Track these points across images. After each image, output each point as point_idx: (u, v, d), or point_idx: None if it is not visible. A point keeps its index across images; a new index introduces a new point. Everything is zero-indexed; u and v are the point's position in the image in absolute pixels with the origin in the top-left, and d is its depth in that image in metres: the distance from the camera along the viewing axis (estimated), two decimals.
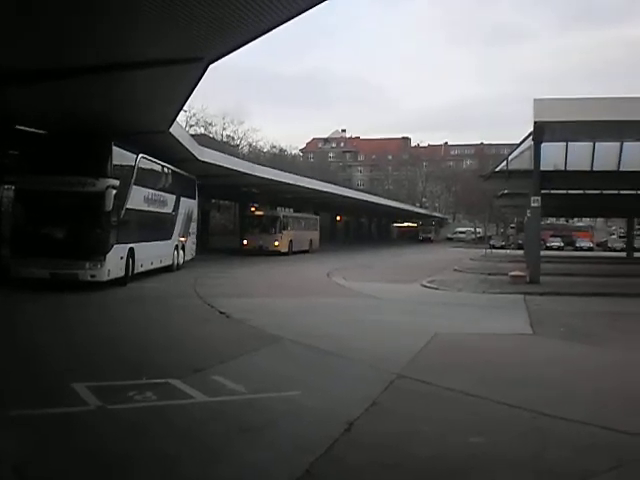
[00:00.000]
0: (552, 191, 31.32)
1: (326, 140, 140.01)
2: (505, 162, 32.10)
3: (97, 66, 14.61)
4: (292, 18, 11.74)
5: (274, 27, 12.19)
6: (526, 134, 28.46)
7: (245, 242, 46.63)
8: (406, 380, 9.59)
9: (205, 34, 12.59)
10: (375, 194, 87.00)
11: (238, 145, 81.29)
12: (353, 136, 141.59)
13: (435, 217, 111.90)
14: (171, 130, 23.38)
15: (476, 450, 6.72)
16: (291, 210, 54.43)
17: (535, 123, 23.22)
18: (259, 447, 6.63)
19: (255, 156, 75.88)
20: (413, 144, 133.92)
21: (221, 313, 16.27)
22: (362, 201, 68.82)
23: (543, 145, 25.80)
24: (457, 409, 8.26)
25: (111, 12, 11.33)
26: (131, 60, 14.27)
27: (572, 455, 6.60)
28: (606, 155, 29.63)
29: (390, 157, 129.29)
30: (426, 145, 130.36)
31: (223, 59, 14.35)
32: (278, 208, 51.67)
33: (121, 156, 21.69)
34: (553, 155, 28.62)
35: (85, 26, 12.14)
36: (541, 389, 9.23)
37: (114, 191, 20.19)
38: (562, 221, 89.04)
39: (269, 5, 11.03)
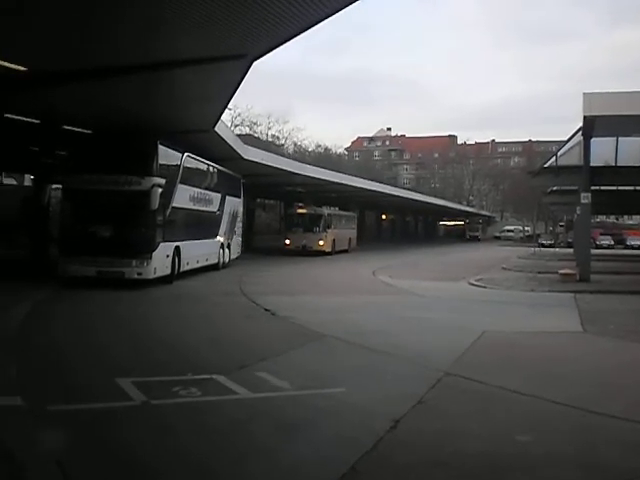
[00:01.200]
0: (602, 187, 30.65)
1: (371, 139, 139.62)
2: (554, 158, 31.53)
3: (143, 65, 14.70)
4: (336, 12, 11.61)
5: (318, 22, 12.09)
6: (575, 130, 27.97)
7: (287, 241, 44.15)
8: (454, 378, 9.41)
9: (249, 31, 12.55)
10: (421, 192, 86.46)
11: (283, 144, 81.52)
12: (398, 134, 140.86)
13: (482, 215, 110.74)
14: (216, 129, 23.41)
15: (524, 448, 6.55)
16: (336, 208, 53.41)
17: (584, 117, 22.71)
18: (304, 443, 6.55)
19: (300, 155, 76.07)
20: (459, 142, 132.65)
21: (266, 310, 16.24)
22: (407, 199, 68.34)
23: (593, 140, 25.31)
24: (505, 407, 8.08)
25: (157, 11, 11.37)
26: (176, 58, 14.30)
27: (621, 454, 6.40)
28: None
29: (436, 155, 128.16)
30: (473, 143, 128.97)
31: (268, 58, 14.39)
32: (323, 207, 48.46)
33: (167, 155, 21.79)
34: (603, 150, 28.05)
35: (131, 26, 12.22)
36: (591, 387, 9.05)
37: (160, 190, 20.28)
38: (612, 219, 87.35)
39: (309, 2, 10.94)
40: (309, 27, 12.42)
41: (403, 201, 67.70)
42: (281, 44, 13.40)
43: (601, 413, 7.63)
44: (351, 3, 11.19)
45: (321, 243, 43.61)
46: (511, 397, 8.47)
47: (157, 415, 7.44)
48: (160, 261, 20.89)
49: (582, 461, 6.20)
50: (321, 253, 42.87)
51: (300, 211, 45.39)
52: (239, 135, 45.53)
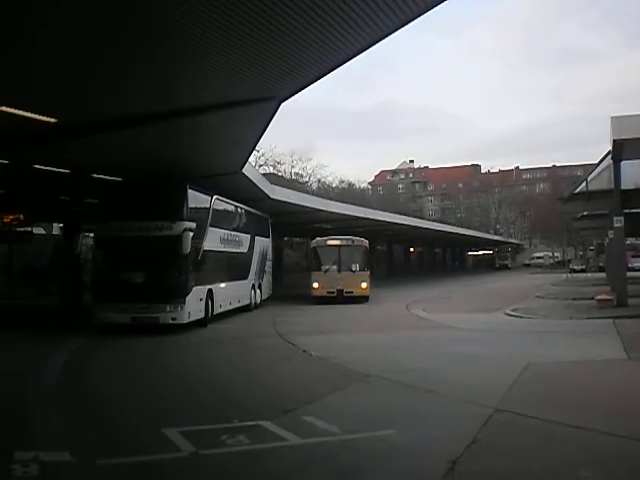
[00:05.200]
0: (633, 210, 30.31)
1: (394, 172, 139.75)
2: (584, 183, 31.29)
3: (170, 112, 14.82)
4: (362, 52, 11.72)
5: (344, 62, 12.23)
6: (604, 154, 27.74)
7: (316, 285, 33.15)
8: (505, 414, 9.18)
9: (277, 74, 12.67)
10: (447, 223, 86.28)
11: (307, 182, 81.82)
12: (422, 166, 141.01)
13: (510, 243, 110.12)
14: (244, 170, 23.54)
15: None
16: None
17: (614, 141, 22.56)
18: None
19: (324, 192, 76.21)
20: (483, 170, 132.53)
21: (304, 351, 16.08)
22: (434, 230, 68.21)
23: (623, 163, 25.07)
24: (562, 442, 7.84)
25: (184, 62, 11.49)
26: (204, 104, 14.42)
27: None
28: None
29: (460, 185, 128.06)
30: (497, 171, 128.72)
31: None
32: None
33: (196, 199, 21.89)
34: (634, 173, 27.75)
35: (159, 75, 12.36)
36: None
37: (191, 234, 20.30)
38: None
39: (338, 43, 11.05)
40: (336, 67, 12.53)
41: (429, 232, 67.53)
42: (309, 85, 13.53)
43: None
44: (376, 43, 11.28)
45: (364, 286, 33.17)
46: (566, 431, 8.23)
47: (207, 466, 7.30)
48: (194, 305, 20.85)
49: None
50: (360, 299, 32.88)
51: (332, 243, 34.59)
52: (263, 174, 45.73)
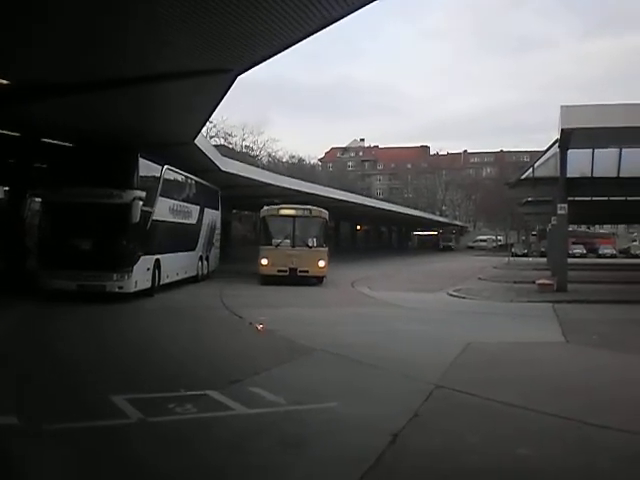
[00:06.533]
0: (577, 198, 31.09)
1: (345, 149, 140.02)
2: (531, 169, 31.93)
3: (125, 79, 14.72)
4: (319, 30, 11.83)
5: (302, 39, 12.30)
6: (551, 141, 28.36)
7: (265, 262, 28.35)
8: (445, 391, 9.48)
9: (234, 47, 12.71)
10: (394, 203, 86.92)
11: (257, 155, 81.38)
12: (372, 145, 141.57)
13: (455, 225, 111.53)
14: (196, 141, 23.45)
15: (525, 462, 6.62)
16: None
17: (562, 130, 23.07)
18: (306, 460, 6.58)
19: (274, 166, 75.94)
20: (432, 152, 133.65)
21: (250, 324, 16.24)
22: (381, 210, 68.76)
23: (569, 152, 25.66)
24: (500, 420, 8.16)
25: (139, 25, 11.41)
26: (160, 72, 14.39)
27: (622, 465, 6.50)
28: (633, 161, 29.34)
29: (409, 166, 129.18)
30: (445, 153, 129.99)
31: None
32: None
33: (147, 167, 21.74)
34: (579, 162, 28.46)
35: (113, 39, 12.24)
36: (582, 397, 9.16)
37: (141, 202, 20.17)
38: (584, 228, 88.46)
39: (297, 19, 11.12)
40: (293, 44, 12.62)
41: (377, 211, 68.09)
42: (267, 59, 13.59)
43: (596, 424, 7.72)
44: (333, 22, 11.39)
45: (321, 265, 28.59)
46: (503, 410, 8.54)
47: (156, 433, 7.42)
48: (141, 274, 20.81)
49: (586, 473, 6.33)
50: (315, 280, 28.77)
51: (285, 212, 29.76)
52: (214, 146, 45.47)
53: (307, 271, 28.11)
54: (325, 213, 30.03)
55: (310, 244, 28.78)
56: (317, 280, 28.54)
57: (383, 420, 7.84)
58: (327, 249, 29.13)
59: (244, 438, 7.18)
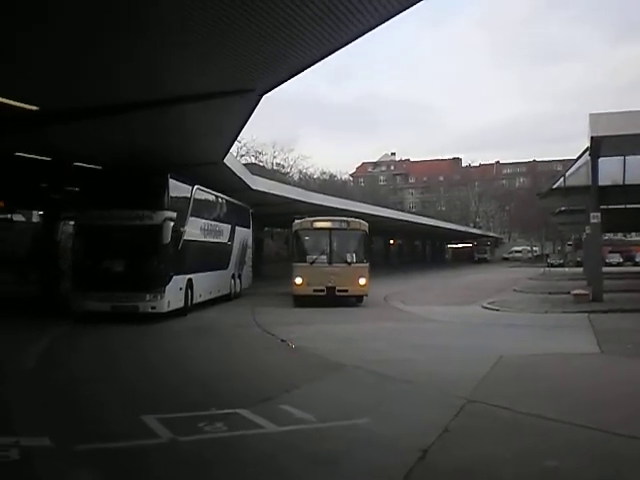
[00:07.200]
0: (610, 206, 30.73)
1: (376, 164, 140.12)
2: (562, 179, 31.67)
3: (151, 101, 14.94)
4: (340, 49, 11.88)
5: (323, 57, 12.37)
6: (582, 150, 28.12)
7: (299, 281, 25.71)
8: (476, 405, 9.40)
9: (256, 67, 12.81)
10: (427, 216, 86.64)
11: (288, 173, 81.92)
12: (403, 159, 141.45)
13: (490, 237, 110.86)
14: (225, 161, 23.63)
15: (553, 474, 6.56)
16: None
17: (592, 138, 22.88)
18: (335, 477, 6.56)
19: (305, 183, 76.33)
20: (464, 164, 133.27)
21: (282, 341, 16.24)
22: (414, 223, 68.52)
23: (600, 160, 25.41)
24: (530, 433, 8.06)
25: (165, 49, 11.56)
26: (184, 94, 14.55)
27: None
28: None
29: (441, 178, 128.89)
30: (477, 165, 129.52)
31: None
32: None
33: (177, 188, 21.94)
34: (611, 170, 28.15)
35: (140, 64, 12.43)
36: (614, 409, 9.03)
37: (172, 223, 20.37)
38: (620, 236, 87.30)
39: (319, 38, 11.18)
40: (315, 62, 12.66)
41: (409, 225, 67.87)
42: (289, 78, 13.69)
43: (626, 435, 7.62)
44: (356, 39, 11.41)
45: (362, 282, 25.82)
46: (535, 422, 8.44)
47: (186, 452, 7.44)
48: (173, 294, 20.96)
49: None
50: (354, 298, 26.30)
51: (321, 225, 27.05)
52: (245, 165, 45.71)
53: (346, 290, 25.63)
54: (365, 225, 27.17)
55: (349, 260, 26.07)
56: (357, 300, 26.32)
57: (413, 436, 7.81)
58: (368, 265, 26.42)
59: (273, 456, 7.19)
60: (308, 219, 27.43)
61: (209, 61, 12.40)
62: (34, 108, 14.40)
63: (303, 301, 25.21)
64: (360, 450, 7.40)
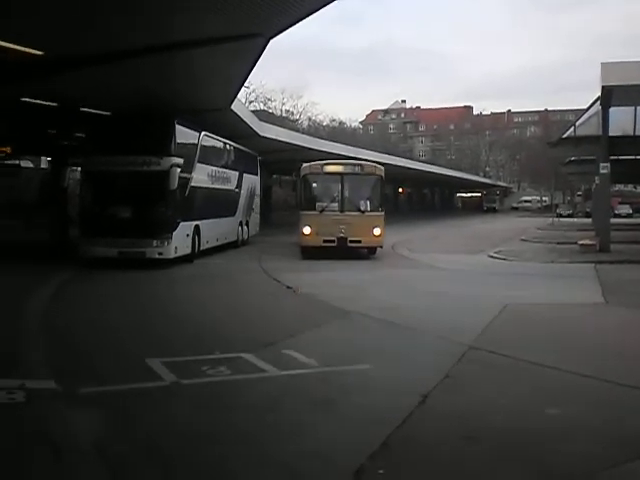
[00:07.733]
0: (620, 157, 30.45)
1: (386, 111, 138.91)
2: (572, 128, 31.36)
3: (159, 46, 14.74)
4: None
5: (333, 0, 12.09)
6: (593, 99, 27.75)
7: (307, 231, 23.92)
8: (479, 352, 9.46)
9: (264, 9, 12.54)
10: (437, 164, 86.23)
11: (297, 119, 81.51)
12: (413, 106, 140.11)
13: (499, 186, 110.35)
14: (232, 107, 23.47)
15: (553, 421, 6.60)
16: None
17: (603, 88, 22.57)
18: (334, 420, 6.65)
19: (315, 130, 75.97)
20: (475, 112, 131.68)
21: (288, 287, 16.31)
22: (424, 172, 68.24)
23: (611, 110, 25.12)
24: (532, 380, 8.11)
25: None
26: (192, 38, 14.33)
27: None
28: None
29: (452, 126, 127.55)
30: (489, 113, 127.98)
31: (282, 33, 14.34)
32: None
33: (184, 134, 21.81)
34: (622, 120, 27.83)
35: (148, 7, 12.24)
36: (617, 359, 9.08)
37: (179, 169, 20.31)
38: (630, 187, 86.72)
39: None
40: (325, 5, 12.42)
41: (419, 173, 67.63)
42: (298, 22, 13.42)
43: (629, 385, 7.66)
44: None
45: (377, 232, 23.84)
46: (536, 370, 8.50)
47: (189, 395, 7.55)
48: (180, 240, 21.01)
49: (611, 433, 6.26)
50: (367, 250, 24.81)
51: (332, 169, 25.02)
52: (253, 111, 45.42)
53: (359, 241, 23.79)
54: (380, 169, 25.03)
55: (363, 208, 24.07)
56: (370, 251, 24.79)
57: (414, 381, 7.89)
58: (383, 214, 24.37)
59: (274, 398, 7.29)
60: (318, 162, 25.66)
61: (218, 5, 12.19)
62: (40, 53, 14.25)
63: (312, 253, 23.71)
64: (361, 394, 7.48)
